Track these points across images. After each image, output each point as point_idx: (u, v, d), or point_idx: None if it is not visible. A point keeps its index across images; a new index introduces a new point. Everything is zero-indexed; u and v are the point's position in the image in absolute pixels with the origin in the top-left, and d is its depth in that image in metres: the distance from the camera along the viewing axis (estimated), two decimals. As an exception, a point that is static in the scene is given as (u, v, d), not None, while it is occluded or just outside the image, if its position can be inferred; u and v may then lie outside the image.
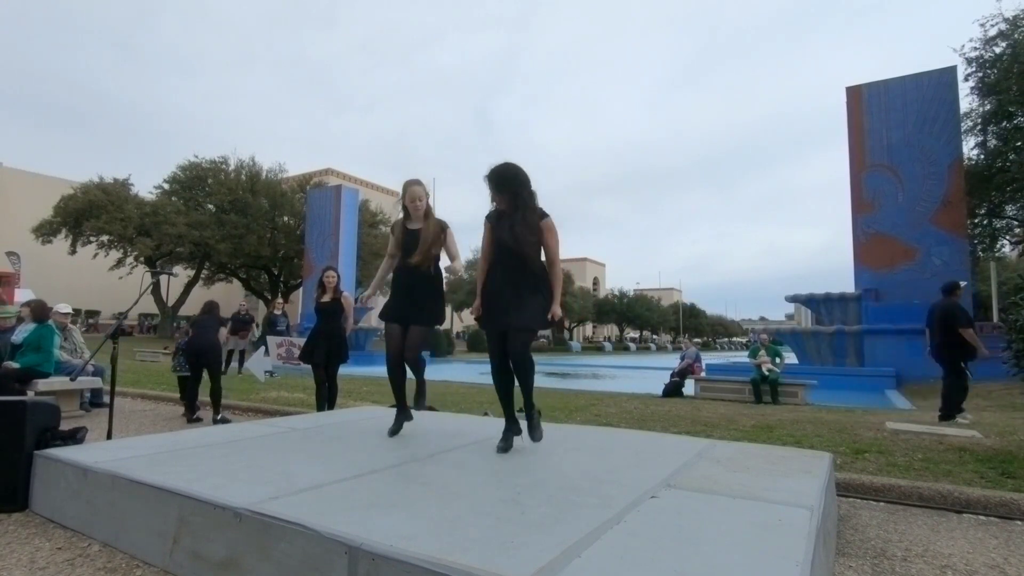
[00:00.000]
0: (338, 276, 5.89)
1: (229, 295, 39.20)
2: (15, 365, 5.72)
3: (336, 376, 5.81)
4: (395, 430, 3.64)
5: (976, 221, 16.74)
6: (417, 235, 3.57)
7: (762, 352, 9.48)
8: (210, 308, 6.32)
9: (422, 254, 3.52)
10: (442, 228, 3.63)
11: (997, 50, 14.39)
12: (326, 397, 5.66)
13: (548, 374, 19.49)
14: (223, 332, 6.36)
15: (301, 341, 9.64)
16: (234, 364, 11.67)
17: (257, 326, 13.26)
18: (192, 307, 39.52)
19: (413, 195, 3.59)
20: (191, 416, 6.09)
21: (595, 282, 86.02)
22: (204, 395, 6.21)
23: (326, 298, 5.69)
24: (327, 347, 5.58)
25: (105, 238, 30.50)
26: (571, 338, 61.36)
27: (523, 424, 3.35)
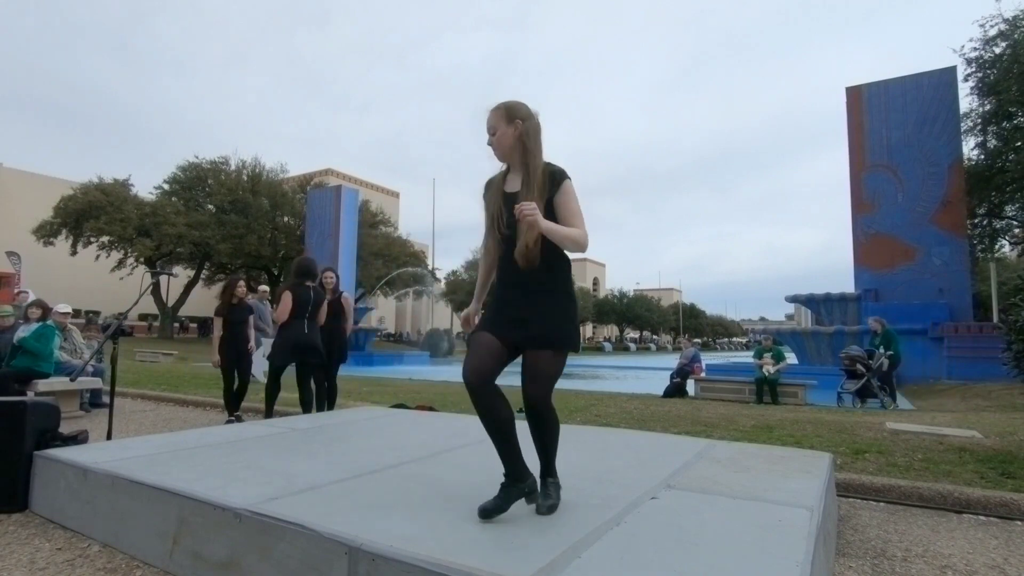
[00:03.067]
0: (337, 277, 5.88)
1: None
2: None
3: (336, 376, 5.81)
4: (495, 507, 2.04)
5: (976, 221, 16.74)
6: (515, 202, 2.07)
7: (767, 354, 9.55)
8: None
9: (529, 243, 2.06)
10: (555, 182, 2.14)
11: (997, 50, 14.39)
12: (325, 397, 5.66)
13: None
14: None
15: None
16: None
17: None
18: (192, 307, 39.54)
19: (488, 126, 2.21)
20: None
21: (595, 282, 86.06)
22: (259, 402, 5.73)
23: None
24: (327, 347, 5.58)
25: (105, 239, 30.50)
26: (571, 338, 61.23)
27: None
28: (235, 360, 5.68)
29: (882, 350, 9.27)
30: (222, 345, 5.62)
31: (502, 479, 2.10)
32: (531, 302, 2.13)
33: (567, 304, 2.18)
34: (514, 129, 2.15)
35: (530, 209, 1.97)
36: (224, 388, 5.74)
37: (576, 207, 2.14)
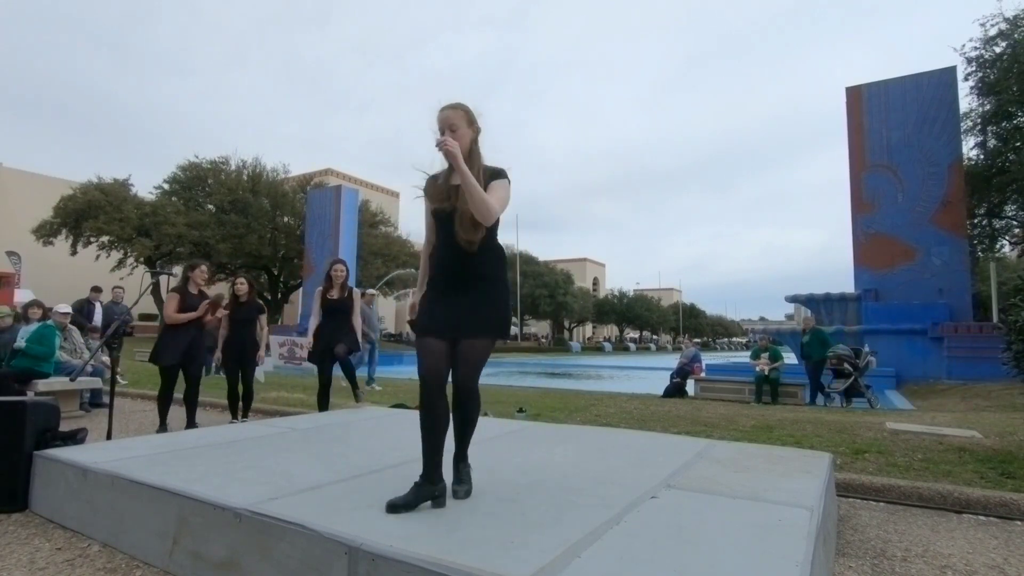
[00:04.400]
0: (347, 271, 5.43)
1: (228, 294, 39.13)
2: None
3: (331, 377, 5.55)
4: (404, 503, 2.10)
5: (976, 221, 16.73)
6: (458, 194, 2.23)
7: (764, 354, 9.54)
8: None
9: (469, 224, 2.19)
10: (494, 176, 2.29)
11: (997, 50, 14.37)
12: (327, 399, 5.48)
13: (548, 374, 19.49)
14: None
15: (303, 340, 9.65)
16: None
17: None
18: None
19: (443, 122, 2.27)
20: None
21: (595, 282, 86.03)
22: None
23: (334, 294, 5.32)
24: (326, 347, 5.36)
25: (105, 239, 30.48)
26: (571, 338, 61.35)
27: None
28: (237, 361, 5.52)
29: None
30: (224, 346, 5.51)
31: (418, 479, 2.19)
32: (466, 291, 2.27)
33: (499, 292, 2.33)
34: (473, 131, 2.33)
35: (452, 144, 2.09)
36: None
37: (501, 193, 2.26)
